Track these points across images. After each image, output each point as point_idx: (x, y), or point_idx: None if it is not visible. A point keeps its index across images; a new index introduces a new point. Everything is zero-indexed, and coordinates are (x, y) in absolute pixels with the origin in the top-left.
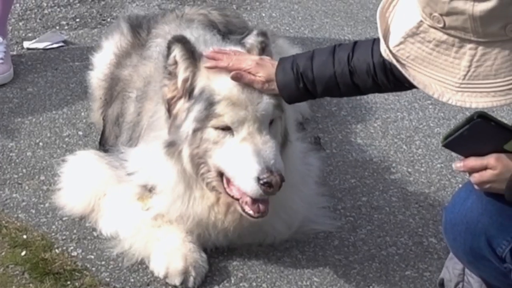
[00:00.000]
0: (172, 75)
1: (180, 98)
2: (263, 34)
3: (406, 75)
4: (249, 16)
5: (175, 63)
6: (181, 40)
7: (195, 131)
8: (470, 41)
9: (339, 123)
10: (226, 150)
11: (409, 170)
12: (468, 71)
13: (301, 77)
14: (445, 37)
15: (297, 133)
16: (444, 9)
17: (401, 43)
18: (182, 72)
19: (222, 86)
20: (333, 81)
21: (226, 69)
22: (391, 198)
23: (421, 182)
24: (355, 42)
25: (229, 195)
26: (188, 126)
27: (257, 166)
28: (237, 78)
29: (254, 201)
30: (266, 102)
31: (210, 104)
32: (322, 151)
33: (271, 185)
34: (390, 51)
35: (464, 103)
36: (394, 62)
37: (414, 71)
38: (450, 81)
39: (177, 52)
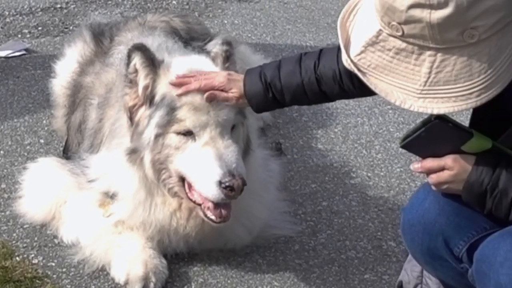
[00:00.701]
0: (133, 83)
1: (141, 105)
2: (227, 43)
3: (368, 83)
4: (211, 23)
5: (136, 71)
6: (141, 48)
7: (157, 137)
8: (429, 48)
9: (300, 129)
10: (188, 155)
11: (369, 174)
12: (428, 78)
13: (269, 86)
14: (404, 45)
15: (258, 140)
16: (401, 18)
17: (361, 52)
18: (142, 80)
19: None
20: (300, 90)
21: (199, 90)
22: (351, 203)
23: (380, 186)
24: (321, 50)
25: (191, 200)
26: (150, 132)
27: (219, 170)
28: (211, 98)
29: (216, 206)
30: (229, 107)
31: (172, 109)
32: (283, 157)
33: (233, 189)
34: (352, 60)
35: (425, 109)
36: (356, 71)
37: (375, 79)
38: (411, 88)
39: (137, 60)
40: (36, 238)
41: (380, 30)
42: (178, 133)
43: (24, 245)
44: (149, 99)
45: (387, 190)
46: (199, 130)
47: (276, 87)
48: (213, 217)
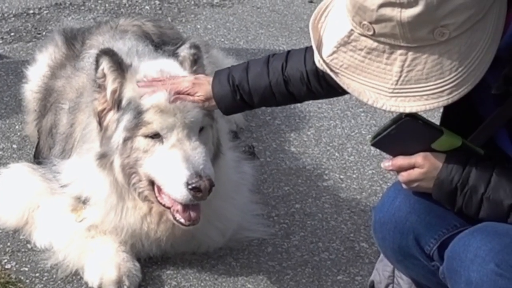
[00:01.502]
0: (101, 87)
1: (110, 110)
2: (195, 46)
3: (340, 83)
4: (184, 28)
5: (104, 75)
6: (108, 53)
7: (125, 140)
8: (400, 47)
9: (273, 132)
10: (156, 157)
11: (341, 177)
12: (400, 77)
13: (237, 89)
14: (375, 44)
15: (230, 143)
16: (372, 17)
17: (333, 52)
18: (110, 84)
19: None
20: (268, 91)
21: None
22: (323, 205)
23: (353, 188)
24: (288, 52)
25: (160, 203)
26: (118, 136)
27: (186, 171)
28: (177, 101)
29: (185, 209)
30: (196, 110)
31: (139, 113)
32: (256, 160)
33: (200, 190)
34: (324, 61)
35: (398, 108)
36: (328, 71)
37: (348, 79)
38: (383, 87)
39: (105, 65)
40: (9, 243)
41: (352, 30)
42: (146, 136)
43: None
44: (116, 103)
45: (359, 192)
46: (166, 132)
47: (244, 89)
48: (182, 220)
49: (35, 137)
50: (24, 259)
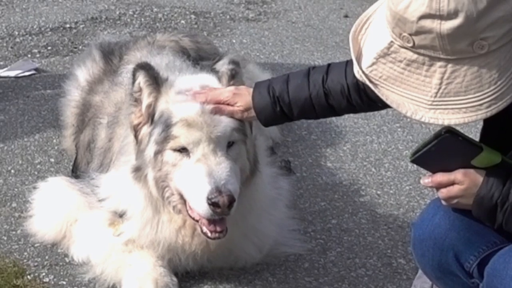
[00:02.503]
0: (137, 101)
1: (145, 123)
2: (234, 62)
3: (380, 95)
4: (220, 42)
5: (140, 89)
6: (145, 67)
7: (155, 154)
8: (439, 59)
9: (309, 147)
10: (183, 172)
11: (378, 192)
12: (439, 89)
13: (278, 100)
14: (415, 56)
15: (267, 158)
16: (412, 28)
17: (373, 63)
18: (146, 98)
19: (179, 108)
20: (308, 103)
21: (206, 103)
22: (360, 220)
23: (390, 204)
24: (329, 65)
25: (190, 217)
26: (150, 150)
27: (207, 186)
28: (216, 111)
29: (210, 221)
30: (224, 124)
31: (167, 126)
32: (292, 175)
33: (219, 205)
34: (363, 72)
35: (436, 120)
36: (367, 82)
37: (387, 90)
38: (422, 99)
39: (141, 79)
40: (47, 257)
41: (392, 41)
42: (174, 150)
43: (35, 263)
44: (151, 116)
45: (396, 207)
46: (193, 147)
47: (284, 100)
48: (208, 233)
49: (73, 151)
50: (62, 273)
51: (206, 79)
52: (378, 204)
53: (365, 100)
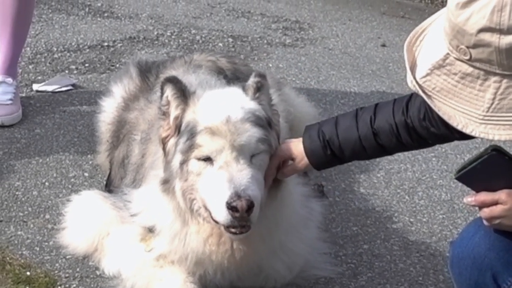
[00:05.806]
0: (166, 115)
1: (172, 136)
2: (260, 75)
3: (432, 106)
4: (256, 66)
5: (168, 103)
6: (172, 80)
7: (181, 164)
8: (495, 74)
9: (343, 172)
10: (206, 180)
11: (411, 220)
12: (492, 104)
13: (328, 144)
14: (470, 69)
15: (297, 178)
16: (471, 41)
17: (427, 74)
18: (173, 111)
19: (204, 117)
20: (358, 145)
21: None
22: (392, 247)
23: (422, 232)
24: (376, 104)
25: (214, 220)
26: (176, 160)
27: (227, 191)
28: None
29: None
30: (249, 134)
31: (192, 135)
32: (324, 199)
33: (237, 209)
34: (417, 82)
35: (487, 135)
36: (420, 93)
37: (439, 102)
38: (474, 113)
39: (168, 92)
40: (78, 269)
41: (448, 53)
42: (199, 159)
43: (66, 275)
44: (178, 128)
45: (429, 236)
46: (216, 155)
47: (334, 143)
48: (231, 229)
49: (107, 167)
50: (92, 285)
51: (232, 92)
52: (411, 231)
53: (414, 137)
